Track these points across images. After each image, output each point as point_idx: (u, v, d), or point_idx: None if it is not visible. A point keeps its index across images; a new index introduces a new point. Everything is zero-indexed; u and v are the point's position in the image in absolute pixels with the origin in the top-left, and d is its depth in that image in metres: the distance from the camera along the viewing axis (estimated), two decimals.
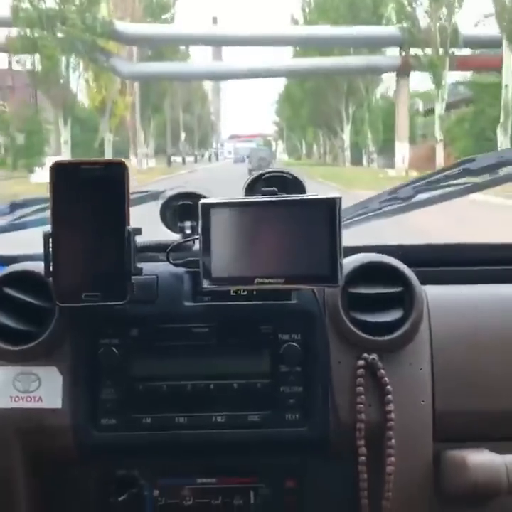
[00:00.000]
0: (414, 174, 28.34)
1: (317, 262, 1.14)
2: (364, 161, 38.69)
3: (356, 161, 39.40)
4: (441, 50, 29.35)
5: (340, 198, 1.15)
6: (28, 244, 1.46)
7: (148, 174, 29.72)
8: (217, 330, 1.26)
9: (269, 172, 1.30)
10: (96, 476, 1.34)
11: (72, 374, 1.25)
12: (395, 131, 32.22)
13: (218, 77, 40.78)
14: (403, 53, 32.24)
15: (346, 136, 41.04)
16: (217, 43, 40.66)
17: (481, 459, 1.23)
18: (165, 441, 1.25)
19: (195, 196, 1.29)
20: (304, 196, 1.20)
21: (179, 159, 56.08)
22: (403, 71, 32.72)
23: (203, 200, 1.17)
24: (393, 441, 1.22)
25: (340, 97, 41.18)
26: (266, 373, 1.25)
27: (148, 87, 41.27)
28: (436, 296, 1.34)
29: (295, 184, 1.29)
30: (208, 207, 1.15)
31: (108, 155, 31.92)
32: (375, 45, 34.28)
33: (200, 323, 1.25)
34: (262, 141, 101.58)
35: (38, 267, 1.23)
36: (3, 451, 1.27)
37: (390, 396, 1.23)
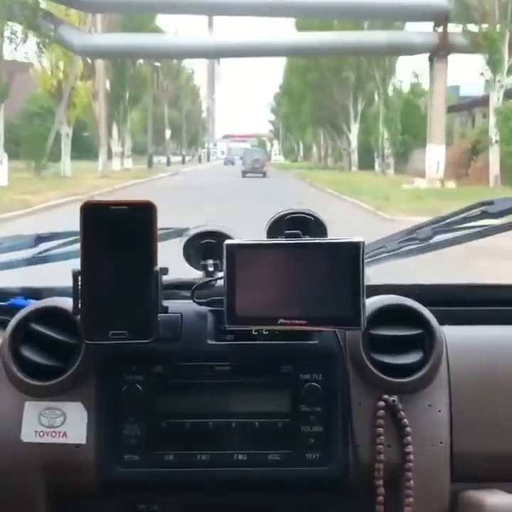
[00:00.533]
0: (451, 185, 22.56)
1: (340, 305, 1.25)
2: (376, 166, 34.05)
3: (365, 165, 35.69)
4: (498, 26, 22.80)
5: (363, 242, 1.26)
6: (50, 276, 1.58)
7: (118, 178, 26.14)
8: (239, 369, 1.37)
9: (291, 213, 1.40)
10: (118, 511, 1.45)
11: (96, 410, 1.36)
12: (428, 130, 26.45)
13: (204, 53, 31.43)
14: (439, 29, 25.28)
15: (353, 136, 37.74)
16: (207, 11, 30.02)
17: (499, 501, 1.33)
18: (187, 478, 1.36)
19: (218, 235, 1.42)
20: (328, 239, 1.32)
21: (164, 160, 52.88)
22: (440, 51, 25.43)
23: (228, 242, 1.28)
24: (412, 482, 1.33)
25: (348, 91, 37.88)
26: (287, 413, 1.36)
27: (122, 72, 36.69)
28: (455, 336, 1.45)
29: (317, 225, 1.40)
30: (233, 248, 1.27)
31: (65, 154, 27.15)
32: (401, 17, 27.58)
33: (223, 362, 1.37)
34: (256, 141, 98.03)
35: (65, 303, 1.34)
36: (27, 485, 1.37)
37: (409, 438, 1.34)
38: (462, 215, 1.56)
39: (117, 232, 1.27)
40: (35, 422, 1.36)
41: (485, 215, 1.53)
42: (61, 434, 1.35)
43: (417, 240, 1.55)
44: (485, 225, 1.56)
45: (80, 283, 1.26)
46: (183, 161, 61.55)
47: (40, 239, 1.68)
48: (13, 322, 1.39)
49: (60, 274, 1.37)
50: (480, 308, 1.56)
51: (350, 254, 1.24)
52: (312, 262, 1.26)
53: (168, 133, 54.42)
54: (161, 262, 1.31)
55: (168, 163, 51.78)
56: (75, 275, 1.26)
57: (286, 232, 1.32)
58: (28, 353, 1.36)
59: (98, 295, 1.27)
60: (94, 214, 1.27)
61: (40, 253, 1.66)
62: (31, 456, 1.36)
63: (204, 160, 78.88)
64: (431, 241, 1.55)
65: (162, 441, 1.36)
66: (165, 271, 1.30)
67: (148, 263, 1.27)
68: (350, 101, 39.04)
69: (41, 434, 1.36)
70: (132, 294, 1.27)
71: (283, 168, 51.89)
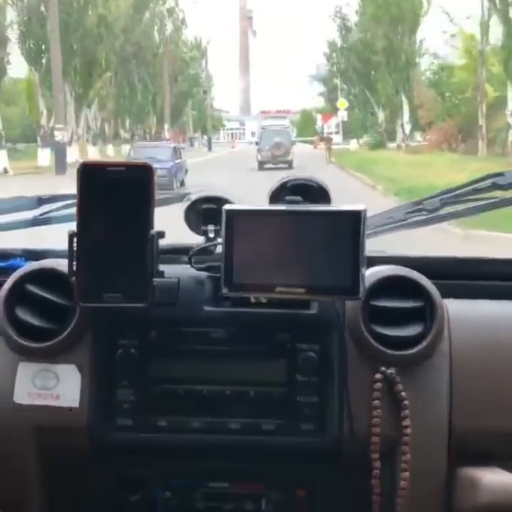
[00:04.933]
0: None
1: (339, 274, 1.20)
2: None
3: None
4: None
5: (365, 210, 1.20)
6: (54, 238, 1.52)
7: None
8: (235, 336, 1.33)
9: (293, 180, 1.36)
10: (109, 476, 1.43)
11: (90, 373, 1.33)
12: None
13: None
14: None
15: None
16: None
17: (496, 478, 1.28)
18: (179, 444, 1.33)
19: (220, 200, 1.36)
20: (329, 207, 1.27)
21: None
22: None
23: (227, 206, 1.23)
24: (408, 456, 1.28)
25: None
26: (282, 382, 1.32)
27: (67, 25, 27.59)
28: (458, 310, 1.39)
29: (320, 193, 1.35)
30: (232, 213, 1.21)
31: None
32: None
33: (219, 329, 1.33)
34: (299, 116, 79.50)
35: (61, 264, 1.31)
36: (19, 447, 1.34)
37: (406, 411, 1.29)
38: (471, 187, 1.49)
39: (114, 194, 1.23)
40: (29, 383, 1.33)
41: (495, 186, 1.46)
42: (54, 397, 1.32)
43: (424, 211, 1.48)
44: (494, 197, 1.49)
45: (75, 245, 1.24)
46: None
47: (41, 200, 1.64)
48: (8, 283, 1.36)
49: (63, 235, 1.29)
50: (484, 283, 1.49)
51: (351, 223, 1.18)
52: (312, 230, 1.20)
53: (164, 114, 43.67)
54: (169, 227, 1.27)
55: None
56: (70, 237, 1.23)
57: (287, 198, 1.28)
58: (22, 314, 1.33)
59: (93, 257, 1.24)
60: (91, 175, 1.23)
61: (41, 215, 1.63)
62: (23, 418, 1.33)
63: (199, 148, 56.24)
64: (439, 212, 1.48)
65: (155, 407, 1.33)
66: (161, 234, 1.25)
67: (144, 226, 1.23)
68: None
69: (34, 395, 1.33)
70: (128, 257, 1.23)
71: (366, 162, 23.24)
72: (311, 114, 76.90)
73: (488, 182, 1.46)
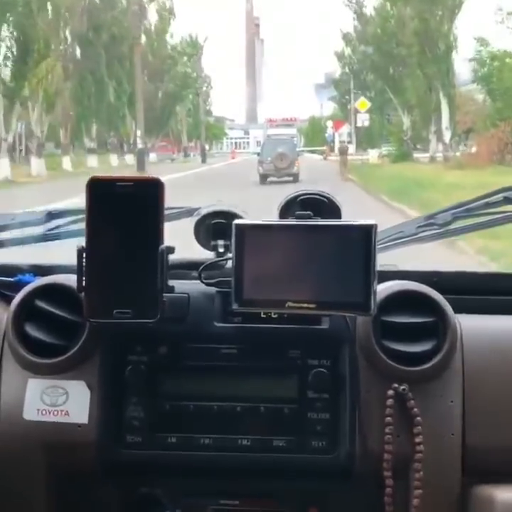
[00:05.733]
0: None
1: (350, 289, 1.32)
2: None
3: None
4: None
5: (376, 225, 1.32)
6: (63, 253, 1.64)
7: None
8: (246, 352, 1.46)
9: (303, 194, 1.49)
10: (119, 494, 1.55)
11: (99, 389, 1.45)
12: None
13: None
14: None
15: None
16: None
17: (509, 496, 1.40)
18: (189, 461, 1.45)
19: (230, 215, 1.50)
20: (339, 222, 1.39)
21: (130, 159, 38.00)
22: None
23: (237, 221, 1.35)
24: (421, 473, 1.40)
25: None
26: (293, 398, 1.44)
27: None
28: (471, 326, 1.51)
29: (331, 207, 1.49)
30: (242, 228, 1.34)
31: None
32: None
33: (230, 345, 1.46)
34: (306, 124, 77.84)
35: (71, 280, 1.42)
36: (27, 464, 1.46)
37: (419, 427, 1.41)
38: (483, 201, 1.65)
39: (123, 209, 1.35)
40: (38, 400, 1.46)
41: (507, 201, 1.63)
42: (63, 413, 1.45)
43: (436, 226, 1.65)
44: (507, 211, 1.64)
45: (84, 260, 1.35)
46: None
47: (51, 215, 1.79)
48: (17, 298, 1.48)
49: (72, 251, 1.42)
50: (497, 298, 1.63)
51: (362, 238, 1.32)
52: (322, 245, 1.33)
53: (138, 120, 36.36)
54: (178, 242, 1.37)
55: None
56: (79, 252, 1.35)
57: (297, 213, 1.41)
58: (32, 330, 1.45)
59: (102, 273, 1.36)
60: (100, 190, 1.35)
61: (50, 230, 1.78)
62: (32, 434, 1.45)
63: (194, 158, 52.72)
64: (450, 227, 1.65)
65: (165, 424, 1.45)
66: (171, 250, 1.38)
67: (154, 241, 1.35)
68: None
69: (43, 412, 1.46)
70: (137, 273, 1.36)
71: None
72: (319, 121, 74.82)
73: (500, 196, 1.61)
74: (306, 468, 1.47)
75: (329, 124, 67.03)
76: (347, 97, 54.66)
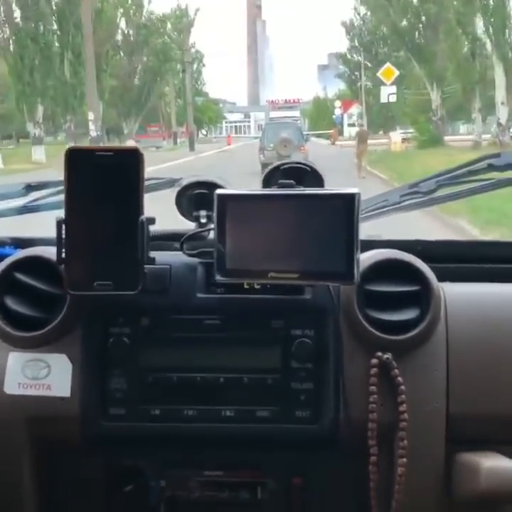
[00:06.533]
0: None
1: (333, 258, 1.45)
2: None
3: None
4: None
5: (359, 194, 1.42)
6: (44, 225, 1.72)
7: None
8: (229, 323, 1.59)
9: (287, 163, 1.62)
10: (102, 466, 1.68)
11: (81, 362, 1.57)
12: None
13: None
14: None
15: None
16: None
17: (494, 464, 1.54)
18: (173, 433, 1.57)
19: (211, 185, 1.62)
20: (322, 190, 1.51)
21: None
22: None
23: (219, 191, 1.46)
24: (405, 442, 1.54)
25: None
26: (277, 368, 1.58)
27: None
28: (455, 294, 1.64)
29: (314, 177, 1.62)
30: (224, 198, 1.46)
31: None
32: None
33: (212, 315, 1.59)
34: (310, 106, 74.25)
35: (51, 252, 1.53)
36: (10, 438, 1.58)
37: (403, 396, 1.54)
38: (467, 169, 1.80)
39: (102, 179, 1.47)
40: (19, 373, 1.59)
41: (491, 168, 1.78)
42: (45, 387, 1.60)
43: (419, 194, 1.82)
44: (490, 179, 1.80)
45: (64, 232, 1.46)
46: None
47: (30, 187, 1.92)
48: None
49: (52, 223, 1.56)
50: (481, 266, 1.78)
51: (344, 206, 1.45)
52: (305, 214, 1.46)
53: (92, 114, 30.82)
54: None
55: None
56: (58, 224, 1.47)
57: (280, 182, 1.54)
58: (12, 303, 1.58)
59: (82, 244, 1.48)
60: (79, 160, 1.47)
61: (30, 202, 1.90)
62: (14, 408, 1.58)
63: (210, 145, 54.27)
64: (434, 194, 1.81)
65: (148, 396, 1.59)
66: (152, 220, 1.50)
67: (134, 212, 1.48)
68: None
69: (25, 386, 1.59)
70: (117, 244, 1.48)
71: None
72: (325, 102, 75.20)
73: (484, 163, 1.76)
74: (290, 438, 1.60)
75: (337, 104, 65.11)
76: (356, 73, 53.75)
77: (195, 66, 65.25)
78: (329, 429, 1.62)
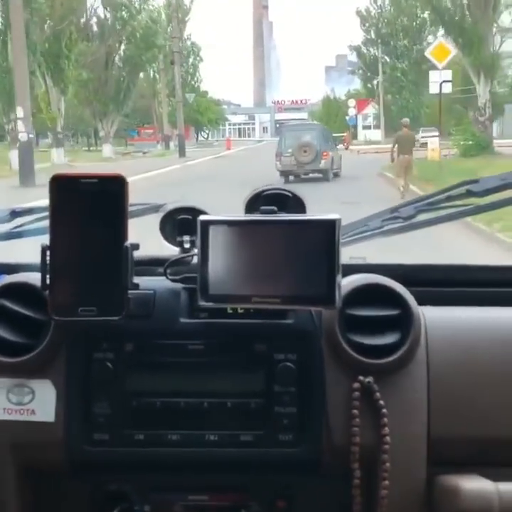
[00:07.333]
0: None
1: (315, 283, 1.48)
2: None
3: None
4: None
5: (339, 220, 1.45)
6: (29, 251, 1.76)
7: None
8: (212, 347, 1.61)
9: (268, 189, 1.67)
10: (87, 491, 1.68)
11: (65, 388, 1.59)
12: None
13: None
14: None
15: None
16: None
17: (473, 486, 1.56)
18: (157, 458, 1.60)
19: (195, 211, 1.65)
20: (303, 216, 1.54)
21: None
22: None
23: (201, 217, 1.49)
24: (388, 464, 1.56)
25: None
26: (260, 392, 1.60)
27: None
28: (435, 318, 1.68)
29: (295, 203, 1.66)
30: (207, 224, 1.49)
31: None
32: None
33: (196, 340, 1.62)
34: (319, 106, 67.87)
35: (36, 278, 1.55)
36: None
37: (385, 419, 1.57)
38: (446, 194, 1.85)
39: (87, 206, 1.50)
40: (4, 399, 1.61)
41: (469, 193, 1.82)
42: (29, 412, 1.61)
43: (400, 219, 1.85)
44: (469, 204, 1.84)
45: (48, 258, 1.48)
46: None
47: (15, 213, 1.95)
48: None
49: (37, 249, 1.59)
50: (461, 290, 1.82)
51: (325, 232, 1.48)
52: (287, 239, 1.49)
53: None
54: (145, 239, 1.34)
55: None
56: (43, 250, 1.49)
57: (262, 208, 1.57)
58: None
59: (67, 270, 1.50)
60: (63, 187, 1.50)
61: (15, 228, 1.93)
62: (0, 434, 1.60)
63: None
64: (413, 220, 1.84)
65: (132, 421, 1.60)
66: (136, 246, 1.52)
67: (118, 238, 1.50)
68: None
69: (9, 411, 1.61)
70: (102, 270, 1.51)
71: None
72: (335, 103, 68.34)
73: (463, 189, 1.80)
74: (274, 462, 1.63)
75: (351, 103, 58.47)
76: (374, 67, 48.81)
77: (190, 60, 60.41)
78: (312, 453, 1.65)
